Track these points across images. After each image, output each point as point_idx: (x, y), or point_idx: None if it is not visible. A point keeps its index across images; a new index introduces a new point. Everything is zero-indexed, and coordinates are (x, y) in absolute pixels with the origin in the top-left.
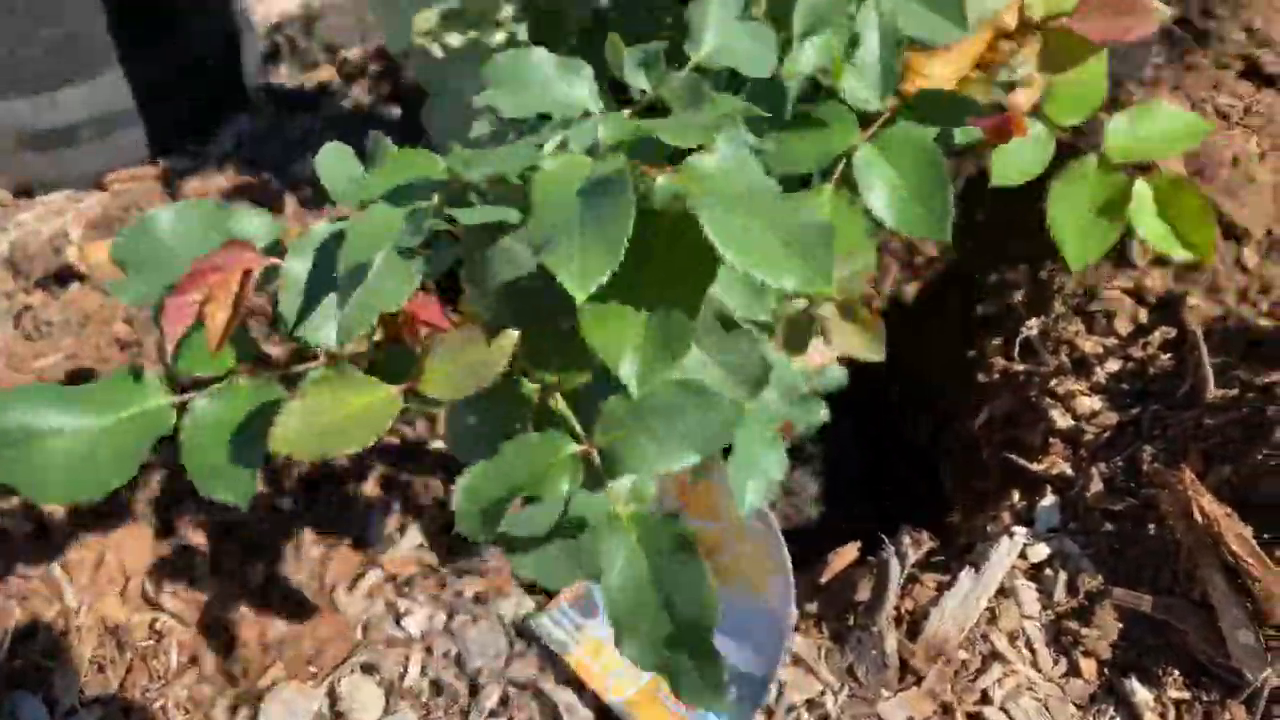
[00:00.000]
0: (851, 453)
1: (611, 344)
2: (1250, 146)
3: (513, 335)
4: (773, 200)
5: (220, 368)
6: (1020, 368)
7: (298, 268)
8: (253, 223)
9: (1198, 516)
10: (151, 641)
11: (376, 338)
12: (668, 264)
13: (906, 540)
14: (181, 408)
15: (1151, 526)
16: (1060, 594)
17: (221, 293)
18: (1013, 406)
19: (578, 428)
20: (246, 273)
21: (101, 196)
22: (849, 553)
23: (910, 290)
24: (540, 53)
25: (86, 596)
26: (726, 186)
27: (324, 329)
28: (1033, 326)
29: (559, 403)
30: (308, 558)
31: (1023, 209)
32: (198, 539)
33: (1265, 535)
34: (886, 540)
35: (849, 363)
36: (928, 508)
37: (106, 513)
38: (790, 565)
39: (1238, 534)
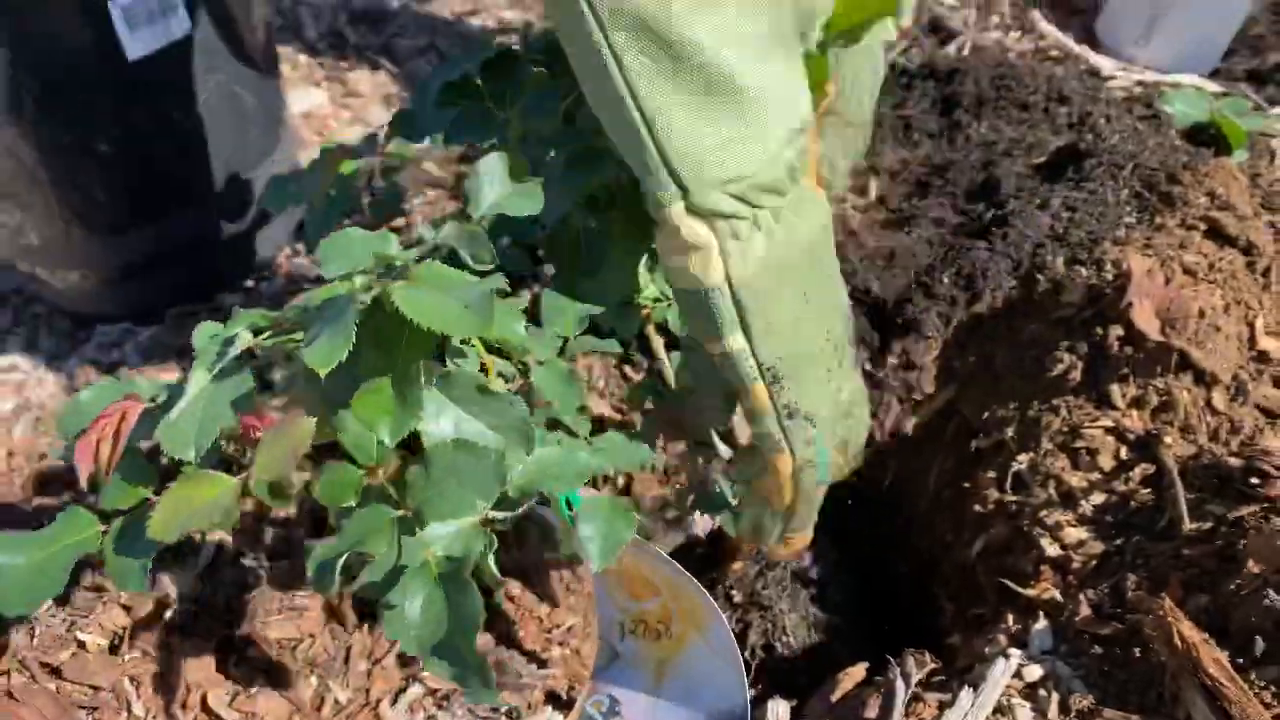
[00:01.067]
0: (852, 582)
1: (370, 414)
2: (1215, 300)
3: (308, 422)
4: (460, 280)
5: (137, 498)
6: (1012, 499)
7: (168, 409)
8: (141, 384)
9: (1178, 642)
10: None
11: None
12: (397, 344)
13: (911, 661)
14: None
15: (1137, 650)
16: (1054, 712)
17: (109, 431)
18: (1006, 536)
19: (395, 496)
20: (124, 416)
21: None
22: (857, 673)
23: (909, 425)
24: (356, 231)
25: (152, 707)
26: (426, 278)
27: (187, 450)
28: (1022, 461)
29: (379, 478)
30: (355, 672)
31: (1012, 354)
32: (256, 655)
33: (1240, 660)
34: (892, 661)
35: (855, 495)
36: (928, 632)
37: (172, 629)
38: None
39: (1214, 659)
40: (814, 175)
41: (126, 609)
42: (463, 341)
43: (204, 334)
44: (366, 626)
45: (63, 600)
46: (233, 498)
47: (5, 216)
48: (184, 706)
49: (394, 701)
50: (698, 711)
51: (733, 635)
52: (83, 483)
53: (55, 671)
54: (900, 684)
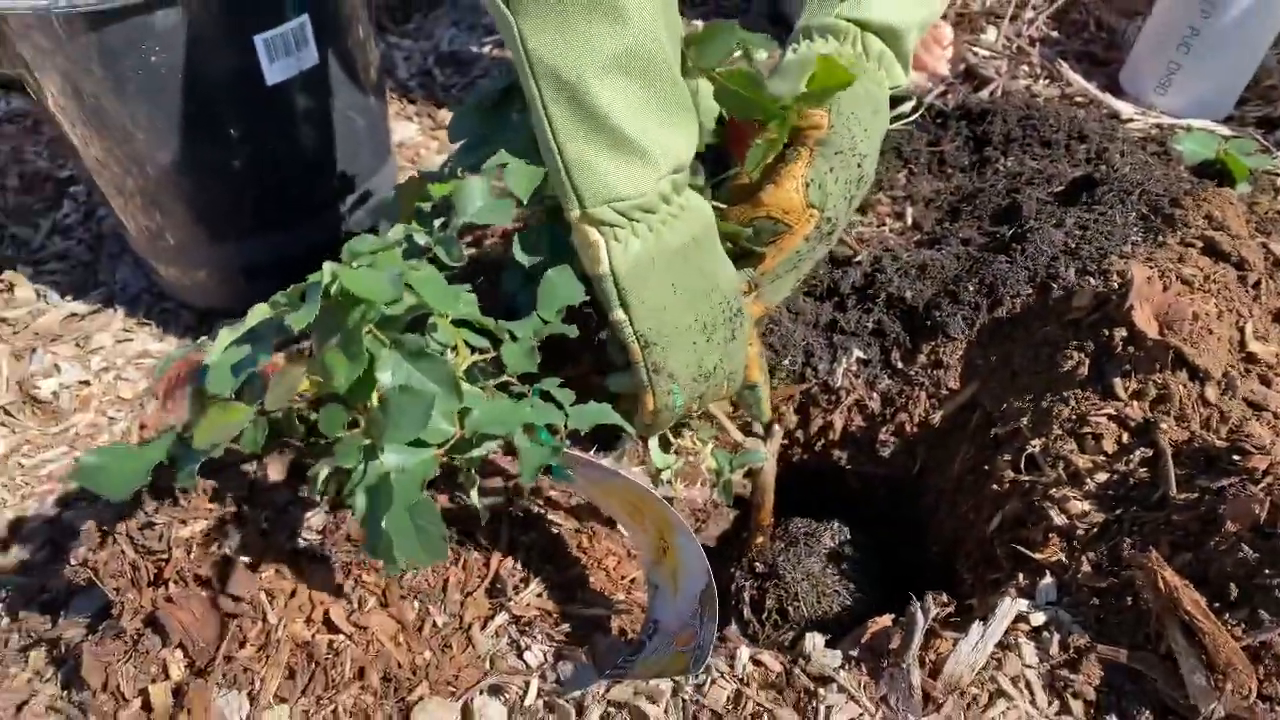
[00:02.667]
0: (876, 562)
1: (331, 364)
2: (1209, 307)
3: (300, 369)
4: (388, 261)
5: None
6: (1025, 478)
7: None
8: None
9: (1162, 587)
10: (330, 656)
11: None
12: (348, 312)
13: (930, 599)
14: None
15: (1129, 599)
16: (1054, 649)
17: (174, 374)
18: (1019, 511)
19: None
20: (187, 364)
21: None
22: (883, 620)
23: (937, 417)
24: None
25: (284, 618)
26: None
27: (224, 387)
28: (1035, 445)
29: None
30: (451, 601)
31: (1027, 353)
32: (371, 581)
33: (1216, 604)
34: (914, 597)
35: (886, 481)
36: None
37: (303, 554)
38: (684, 521)
39: (1193, 600)
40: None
41: (264, 534)
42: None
43: (254, 313)
44: (462, 562)
45: (217, 528)
46: (249, 419)
47: (148, 221)
48: (309, 620)
49: (484, 626)
50: (693, 600)
51: (686, 523)
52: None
53: (205, 583)
54: (920, 615)
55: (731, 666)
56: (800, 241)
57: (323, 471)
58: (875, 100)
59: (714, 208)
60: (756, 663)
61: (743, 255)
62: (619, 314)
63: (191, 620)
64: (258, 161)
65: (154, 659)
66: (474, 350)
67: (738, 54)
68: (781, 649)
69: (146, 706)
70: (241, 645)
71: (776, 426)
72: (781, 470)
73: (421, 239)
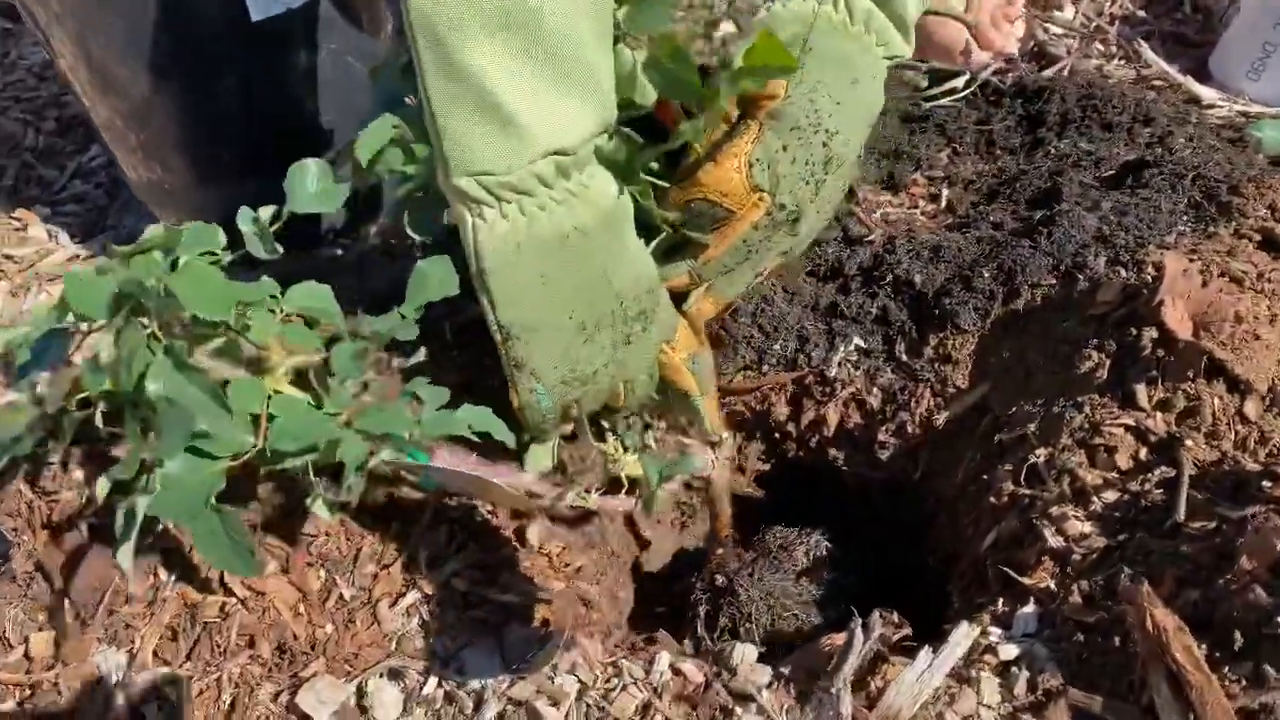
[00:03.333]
0: (862, 576)
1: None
2: (1260, 309)
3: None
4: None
5: None
6: (1025, 492)
7: None
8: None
9: (1150, 627)
10: (218, 620)
11: None
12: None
13: (876, 616)
14: None
15: (1117, 638)
16: (1020, 689)
17: None
18: (1016, 529)
19: None
20: None
21: None
22: (838, 638)
23: (942, 418)
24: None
25: (174, 576)
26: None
27: None
28: (1040, 455)
29: None
30: (362, 573)
31: (1044, 351)
32: (274, 544)
33: (1216, 654)
34: (855, 614)
35: (885, 485)
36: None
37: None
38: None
39: (1185, 645)
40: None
41: None
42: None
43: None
44: (379, 533)
45: None
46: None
47: (148, 173)
48: (202, 580)
49: (393, 603)
50: None
51: None
52: None
53: (101, 531)
54: (859, 633)
55: (647, 673)
56: (747, 229)
57: (104, 485)
58: (855, 69)
59: (655, 189)
60: (676, 671)
61: (684, 244)
62: (482, 299)
63: (83, 570)
64: (247, 104)
65: (41, 606)
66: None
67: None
68: (712, 658)
69: (29, 655)
70: (127, 600)
71: (726, 434)
72: (774, 468)
73: (248, 228)
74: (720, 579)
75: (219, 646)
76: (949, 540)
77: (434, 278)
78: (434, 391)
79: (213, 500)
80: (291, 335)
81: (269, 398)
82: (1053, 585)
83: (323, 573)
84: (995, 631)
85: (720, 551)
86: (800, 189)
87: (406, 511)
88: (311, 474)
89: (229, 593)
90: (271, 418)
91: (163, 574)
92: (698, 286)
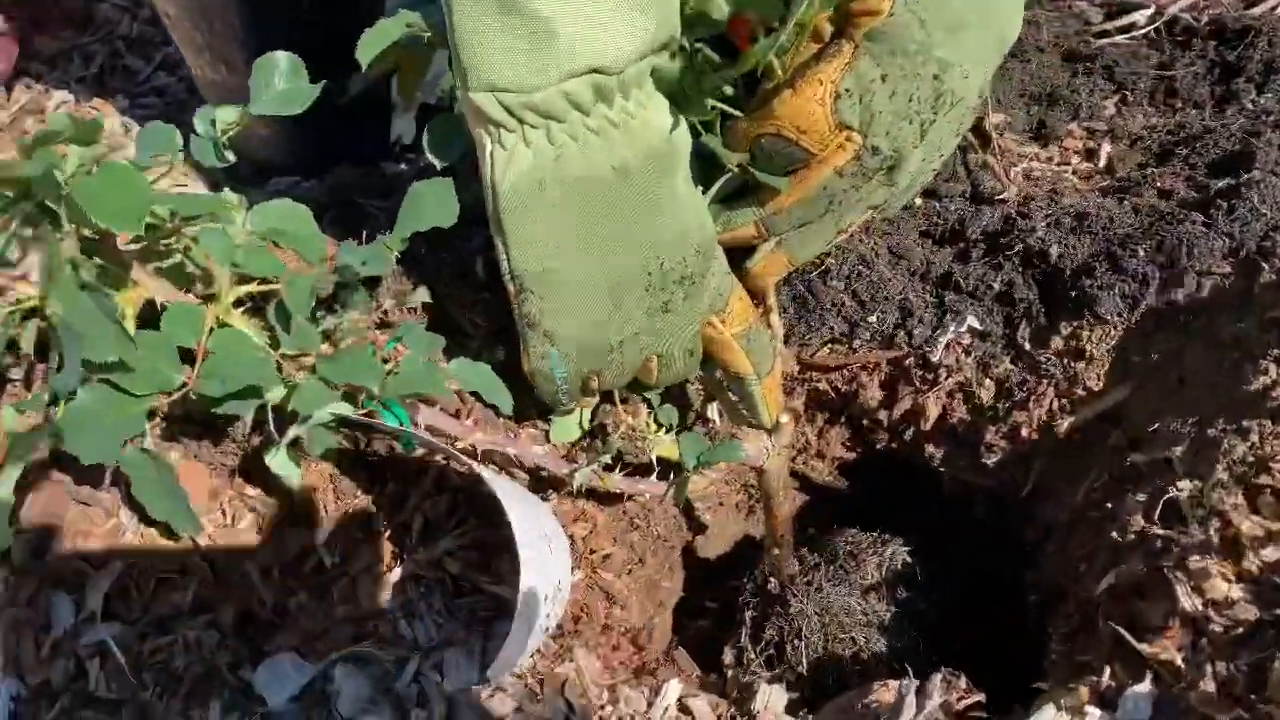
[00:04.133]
0: (942, 600)
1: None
2: None
3: None
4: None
5: None
6: (1159, 532)
7: None
8: None
9: None
10: (176, 576)
11: None
12: None
13: (937, 679)
14: None
15: None
16: None
17: None
18: (1140, 576)
19: None
20: None
21: None
22: (889, 691)
23: (1064, 425)
24: None
25: (136, 516)
26: None
27: None
28: (1184, 489)
29: None
30: (345, 539)
31: (1205, 357)
32: (252, 495)
33: None
34: (910, 674)
35: (988, 496)
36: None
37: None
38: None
39: None
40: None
41: None
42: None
43: None
44: (373, 494)
45: None
46: None
47: (213, 73)
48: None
49: (376, 579)
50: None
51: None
52: None
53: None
54: (911, 700)
55: (649, 705)
56: (829, 175)
57: (8, 415)
58: None
59: (723, 120)
60: (684, 709)
61: (753, 188)
62: (496, 240)
63: (34, 499)
64: (312, 5)
65: None
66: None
67: None
68: (729, 698)
69: None
70: (86, 538)
71: (786, 419)
72: (859, 457)
73: (202, 129)
74: (773, 584)
75: (175, 604)
76: (1056, 572)
77: (430, 203)
78: (425, 339)
79: (145, 443)
80: (246, 259)
81: (210, 330)
82: (1180, 661)
83: (302, 532)
84: (1094, 713)
85: (776, 552)
86: (900, 130)
87: (407, 472)
88: (271, 424)
89: (195, 545)
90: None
91: (125, 514)
92: (765, 240)
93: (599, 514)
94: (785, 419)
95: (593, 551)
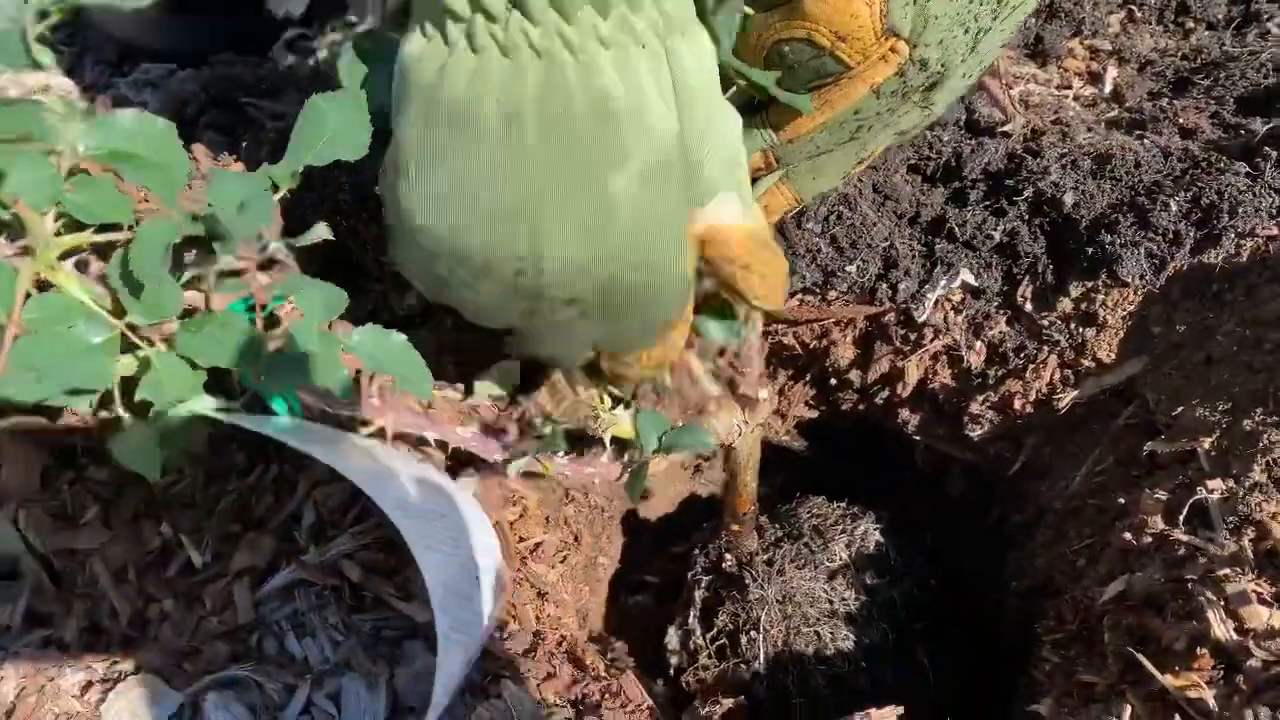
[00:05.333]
0: (919, 586)
1: None
2: None
3: None
4: None
5: None
6: (1183, 539)
7: None
8: None
9: None
10: (4, 582)
11: None
12: None
13: None
14: None
15: None
16: None
17: None
18: (1159, 588)
19: None
20: None
21: None
22: (886, 717)
23: (1066, 398)
24: None
25: None
26: None
27: None
28: (1215, 490)
29: None
30: (219, 534)
31: (1241, 333)
32: (100, 477)
33: None
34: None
35: (970, 472)
36: (1009, 683)
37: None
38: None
39: None
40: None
41: None
42: None
43: None
44: (253, 478)
45: None
46: None
47: None
48: None
49: (258, 584)
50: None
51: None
52: None
53: None
54: None
55: None
56: (865, 95)
57: None
58: None
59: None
60: None
61: (764, 106)
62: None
63: None
64: None
65: None
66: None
67: None
68: None
69: None
70: None
71: (764, 392)
72: (823, 417)
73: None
74: (728, 562)
75: (5, 615)
76: (1045, 566)
77: (333, 125)
78: (320, 298)
79: None
80: (77, 200)
81: (27, 296)
82: (1210, 699)
83: (165, 527)
84: None
85: (735, 528)
86: (954, 39)
87: (296, 451)
88: (118, 400)
89: (26, 545)
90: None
91: None
92: (770, 172)
93: (530, 494)
94: (764, 394)
95: (522, 540)
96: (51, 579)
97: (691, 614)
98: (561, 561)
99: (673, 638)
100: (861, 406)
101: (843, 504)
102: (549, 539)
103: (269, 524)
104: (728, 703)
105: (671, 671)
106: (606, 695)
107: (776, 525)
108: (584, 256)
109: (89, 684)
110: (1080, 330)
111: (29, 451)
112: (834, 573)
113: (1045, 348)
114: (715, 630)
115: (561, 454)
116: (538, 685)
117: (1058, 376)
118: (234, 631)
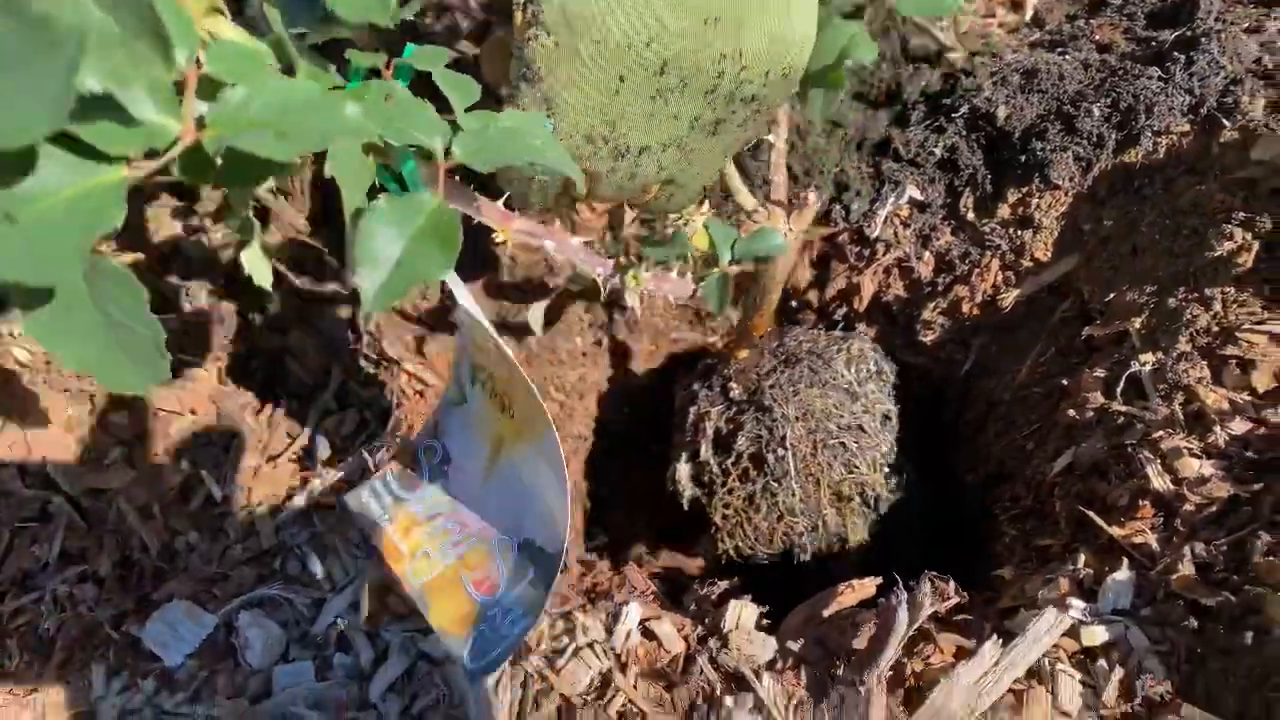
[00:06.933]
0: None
1: None
2: None
3: None
4: None
5: None
6: (1121, 409)
7: None
8: None
9: None
10: (35, 522)
11: None
12: None
13: (926, 589)
14: None
15: (1249, 635)
16: (1111, 694)
17: None
18: (1102, 455)
19: None
20: None
21: None
22: (865, 588)
23: (1010, 297)
24: None
25: None
26: None
27: None
28: (1146, 362)
29: None
30: (241, 465)
31: (1163, 222)
32: (118, 422)
33: None
34: (900, 584)
35: (924, 377)
36: (976, 557)
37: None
38: (540, 398)
39: None
40: None
41: None
42: None
43: None
44: (269, 411)
45: None
46: None
47: None
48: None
49: (276, 510)
50: (518, 519)
51: (562, 456)
52: None
53: None
54: (903, 614)
55: (610, 632)
56: None
57: None
58: None
59: None
60: (648, 634)
61: None
62: None
63: None
64: None
65: None
66: None
67: None
68: (693, 616)
69: None
70: None
71: (811, 195)
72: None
73: None
74: (737, 388)
75: (38, 559)
76: (999, 454)
77: None
78: (455, 80)
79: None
80: None
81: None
82: (1154, 543)
83: (186, 462)
84: (1077, 604)
85: (744, 354)
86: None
87: (301, 387)
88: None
89: (51, 486)
90: (214, 85)
91: None
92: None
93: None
94: (811, 196)
95: None
96: (81, 518)
97: (703, 445)
98: None
99: (682, 473)
100: (821, 324)
101: (818, 332)
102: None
103: (286, 449)
104: (723, 584)
105: (685, 505)
106: (614, 585)
107: (769, 358)
108: (771, 51)
109: (121, 616)
110: (1019, 234)
111: (56, 400)
112: (842, 392)
113: (988, 253)
114: (734, 455)
115: (646, 271)
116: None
117: (1000, 279)
118: (259, 556)
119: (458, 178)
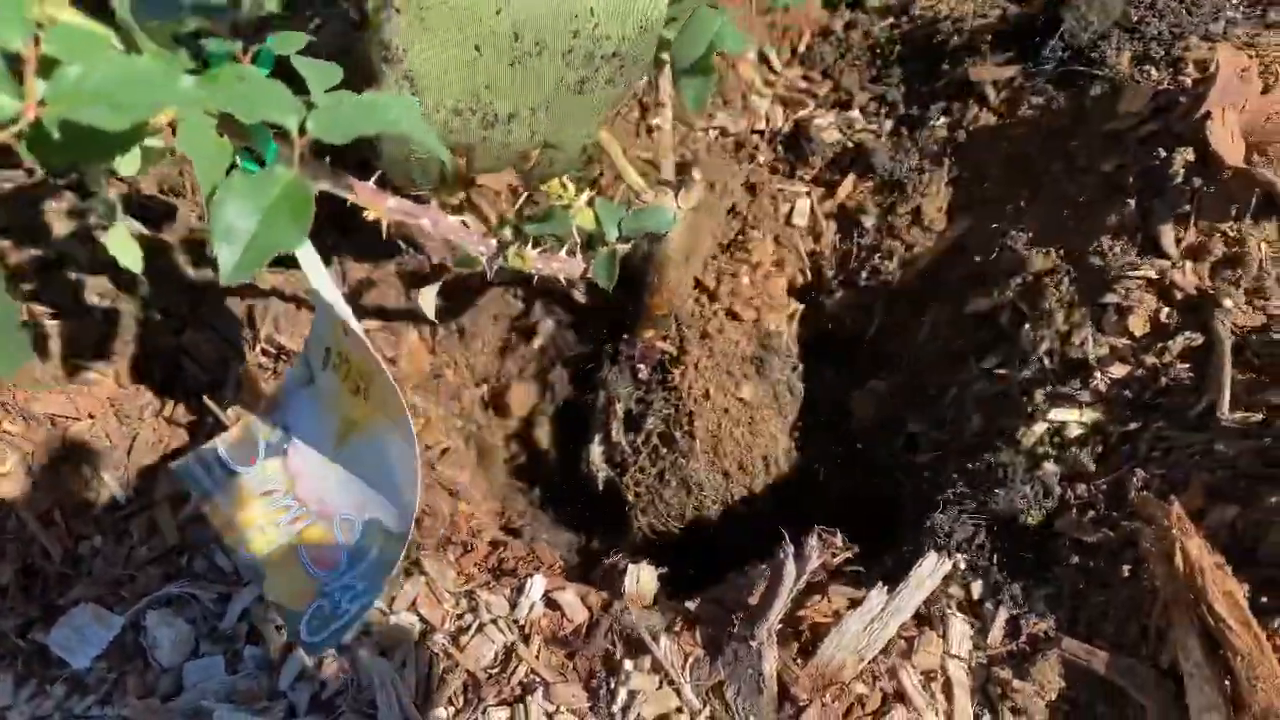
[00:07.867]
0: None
1: None
2: None
3: None
4: None
5: None
6: (1000, 368)
7: None
8: None
9: (1179, 563)
10: None
11: None
12: None
13: (813, 542)
14: None
15: (1126, 568)
16: (997, 634)
17: None
18: (990, 408)
19: None
20: None
21: None
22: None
23: (910, 271)
24: None
25: None
26: None
27: None
28: (1027, 315)
29: None
30: (143, 466)
31: (1040, 171)
32: (12, 429)
33: (1264, 599)
34: (786, 539)
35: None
36: (885, 521)
37: None
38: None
39: (1226, 591)
40: None
41: None
42: None
43: None
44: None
45: None
46: None
47: None
48: None
49: (178, 506)
50: (363, 499)
51: (415, 439)
52: None
53: None
54: (790, 567)
55: (513, 606)
56: None
57: None
58: None
59: None
60: (552, 605)
61: None
62: None
63: None
64: None
65: None
66: None
67: None
68: (597, 585)
69: None
70: None
71: (697, 175)
72: None
73: None
74: (644, 368)
75: None
76: (903, 415)
77: None
78: (313, 67)
79: None
80: None
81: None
82: (1040, 487)
83: (85, 466)
84: (958, 555)
85: (651, 333)
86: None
87: (198, 385)
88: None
89: None
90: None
91: None
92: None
93: (431, 409)
94: (697, 175)
95: (429, 448)
96: None
97: (614, 426)
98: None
99: (595, 454)
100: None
101: None
102: (454, 444)
103: (183, 454)
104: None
105: (600, 486)
106: (521, 561)
107: (685, 329)
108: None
109: (26, 625)
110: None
111: None
112: (748, 361)
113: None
114: (644, 434)
115: (532, 248)
116: (457, 559)
117: (893, 248)
118: (164, 555)
119: (328, 159)
